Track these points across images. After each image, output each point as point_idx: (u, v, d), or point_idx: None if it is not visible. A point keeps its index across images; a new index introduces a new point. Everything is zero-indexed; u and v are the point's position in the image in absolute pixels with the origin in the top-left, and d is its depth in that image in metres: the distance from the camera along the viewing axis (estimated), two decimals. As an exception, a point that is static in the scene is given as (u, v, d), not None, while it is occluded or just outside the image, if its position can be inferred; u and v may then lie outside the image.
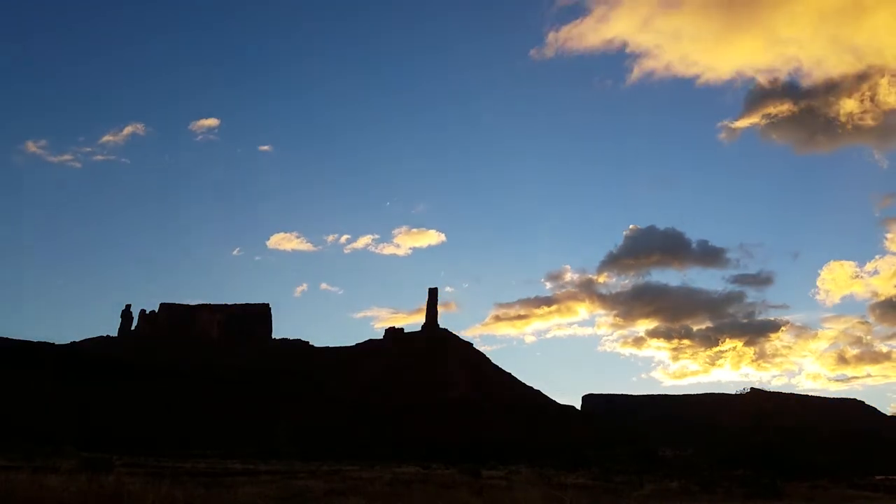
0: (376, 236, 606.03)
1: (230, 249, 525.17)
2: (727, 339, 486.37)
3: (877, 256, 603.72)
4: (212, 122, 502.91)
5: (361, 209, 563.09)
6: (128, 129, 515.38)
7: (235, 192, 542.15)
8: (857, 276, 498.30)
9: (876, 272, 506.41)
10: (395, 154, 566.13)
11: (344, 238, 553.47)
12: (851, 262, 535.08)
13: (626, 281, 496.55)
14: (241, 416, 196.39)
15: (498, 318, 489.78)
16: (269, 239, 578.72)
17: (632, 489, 45.79)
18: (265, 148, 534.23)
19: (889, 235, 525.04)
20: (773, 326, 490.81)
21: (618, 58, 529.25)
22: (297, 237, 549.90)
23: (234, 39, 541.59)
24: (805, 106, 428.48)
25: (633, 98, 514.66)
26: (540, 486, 44.42)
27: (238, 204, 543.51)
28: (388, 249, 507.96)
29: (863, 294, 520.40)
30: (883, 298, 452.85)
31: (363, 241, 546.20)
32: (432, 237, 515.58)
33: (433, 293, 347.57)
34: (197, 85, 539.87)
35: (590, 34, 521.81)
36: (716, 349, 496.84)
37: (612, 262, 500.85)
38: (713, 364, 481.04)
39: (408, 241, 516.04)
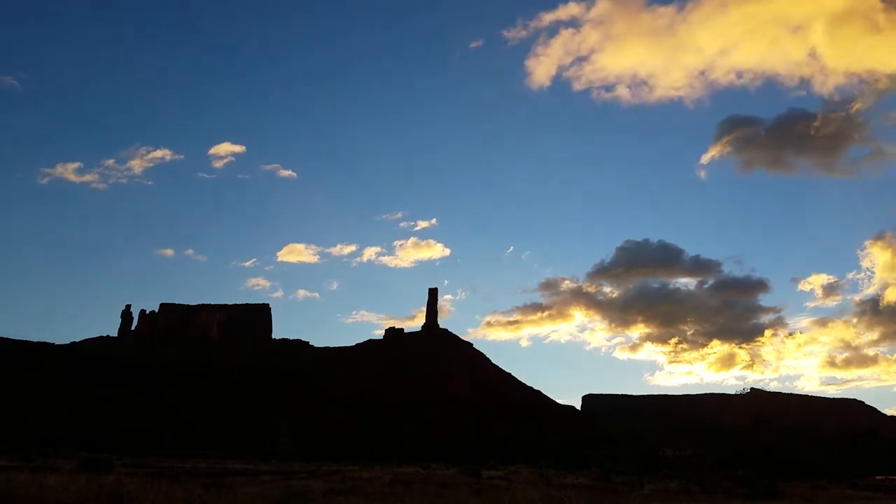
0: (381, 248, 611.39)
1: (242, 261, 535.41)
2: (723, 342, 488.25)
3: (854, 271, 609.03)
4: (237, 147, 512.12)
5: (369, 223, 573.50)
6: (154, 153, 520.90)
7: (249, 206, 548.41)
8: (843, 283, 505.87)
9: (859, 280, 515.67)
10: (405, 172, 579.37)
11: (349, 249, 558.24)
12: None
13: (620, 289, 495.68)
14: (241, 416, 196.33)
15: (491, 324, 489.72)
16: (280, 249, 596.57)
17: (632, 489, 45.79)
18: (283, 170, 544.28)
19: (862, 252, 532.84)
20: (768, 328, 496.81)
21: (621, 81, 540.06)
22: (306, 248, 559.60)
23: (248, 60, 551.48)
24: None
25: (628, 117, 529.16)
26: (540, 486, 44.42)
27: (252, 217, 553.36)
28: (393, 261, 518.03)
29: (851, 299, 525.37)
30: (869, 305, 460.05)
31: (369, 252, 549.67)
32: (436, 250, 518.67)
33: (433, 293, 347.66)
34: (216, 107, 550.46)
35: (589, 70, 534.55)
36: (712, 351, 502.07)
37: (605, 272, 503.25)
38: (709, 366, 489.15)
39: (412, 254, 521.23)
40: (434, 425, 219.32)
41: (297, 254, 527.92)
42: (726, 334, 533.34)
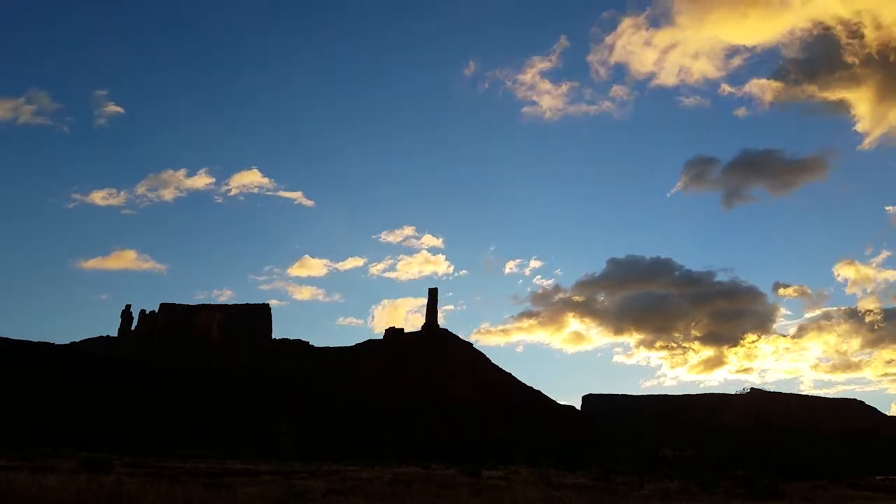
0: (389, 262, 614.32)
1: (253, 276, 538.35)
2: (716, 347, 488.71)
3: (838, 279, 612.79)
4: (256, 175, 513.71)
5: (377, 238, 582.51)
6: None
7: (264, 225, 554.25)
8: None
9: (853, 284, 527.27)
10: (417, 191, 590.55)
11: (358, 263, 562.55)
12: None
13: (612, 299, 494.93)
14: (241, 416, 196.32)
15: (482, 332, 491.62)
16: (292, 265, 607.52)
17: (632, 489, 45.77)
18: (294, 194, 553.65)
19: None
20: (764, 330, 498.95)
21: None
22: (317, 260, 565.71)
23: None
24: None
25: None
26: (540, 486, 44.40)
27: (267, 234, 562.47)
28: (395, 274, 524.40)
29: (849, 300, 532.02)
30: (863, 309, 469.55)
31: (377, 266, 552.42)
32: (441, 265, 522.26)
33: (433, 293, 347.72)
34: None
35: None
36: (706, 356, 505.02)
37: (596, 283, 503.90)
38: (704, 370, 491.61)
39: (416, 268, 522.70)
40: (434, 425, 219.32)
41: (308, 268, 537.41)
42: (720, 340, 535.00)
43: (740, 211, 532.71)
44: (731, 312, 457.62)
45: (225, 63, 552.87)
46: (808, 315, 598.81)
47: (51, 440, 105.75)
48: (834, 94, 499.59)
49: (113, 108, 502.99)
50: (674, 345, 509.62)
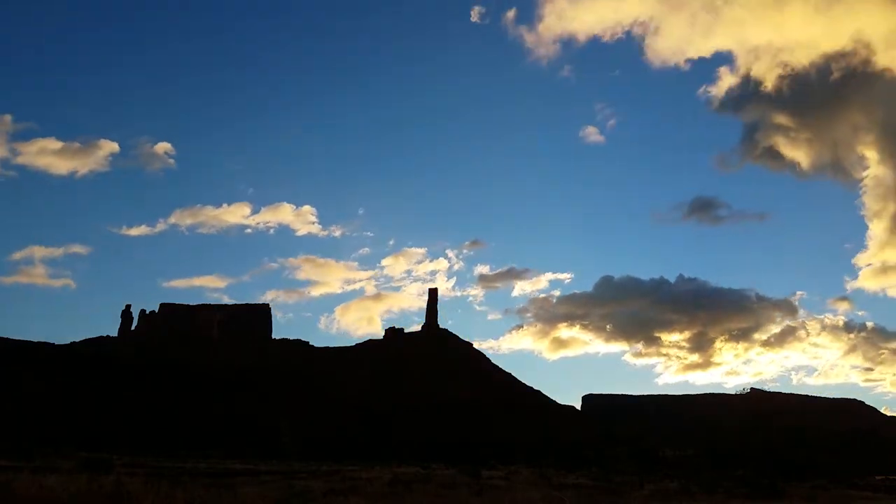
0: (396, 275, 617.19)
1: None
2: (717, 345, 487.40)
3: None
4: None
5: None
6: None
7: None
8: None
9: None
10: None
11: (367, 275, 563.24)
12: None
13: (607, 307, 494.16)
14: (241, 417, 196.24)
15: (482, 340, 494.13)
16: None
17: (632, 489, 45.78)
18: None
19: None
20: (761, 331, 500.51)
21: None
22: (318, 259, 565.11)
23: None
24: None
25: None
26: (540, 486, 44.41)
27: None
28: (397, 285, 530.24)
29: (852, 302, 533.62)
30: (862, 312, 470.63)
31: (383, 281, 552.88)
32: (443, 282, 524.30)
33: (433, 293, 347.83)
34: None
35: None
36: (707, 354, 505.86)
37: (589, 298, 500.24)
38: (706, 368, 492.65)
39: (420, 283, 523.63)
40: (434, 425, 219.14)
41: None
42: (719, 340, 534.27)
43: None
44: (731, 313, 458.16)
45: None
46: (809, 314, 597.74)
47: (51, 440, 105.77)
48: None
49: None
50: (674, 345, 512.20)
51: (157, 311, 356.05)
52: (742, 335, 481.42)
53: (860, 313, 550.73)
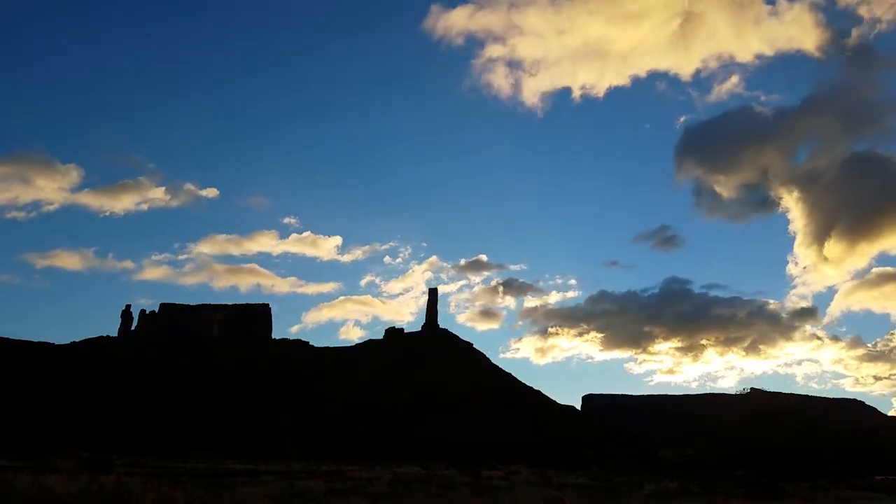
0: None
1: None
2: (715, 345, 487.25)
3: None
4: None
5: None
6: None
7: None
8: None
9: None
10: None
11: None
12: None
13: (604, 314, 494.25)
14: (241, 417, 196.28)
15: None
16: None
17: (632, 489, 45.78)
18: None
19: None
20: (765, 330, 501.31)
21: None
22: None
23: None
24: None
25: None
26: (540, 486, 44.42)
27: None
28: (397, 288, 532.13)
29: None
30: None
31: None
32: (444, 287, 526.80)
33: (433, 293, 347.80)
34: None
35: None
36: (706, 355, 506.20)
37: (586, 307, 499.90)
38: (706, 368, 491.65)
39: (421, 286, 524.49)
40: (434, 425, 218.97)
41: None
42: (720, 341, 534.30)
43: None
44: (731, 313, 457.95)
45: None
46: (808, 315, 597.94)
47: (51, 440, 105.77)
48: None
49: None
50: (674, 346, 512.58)
51: (157, 311, 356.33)
52: (742, 336, 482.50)
53: (860, 313, 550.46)
